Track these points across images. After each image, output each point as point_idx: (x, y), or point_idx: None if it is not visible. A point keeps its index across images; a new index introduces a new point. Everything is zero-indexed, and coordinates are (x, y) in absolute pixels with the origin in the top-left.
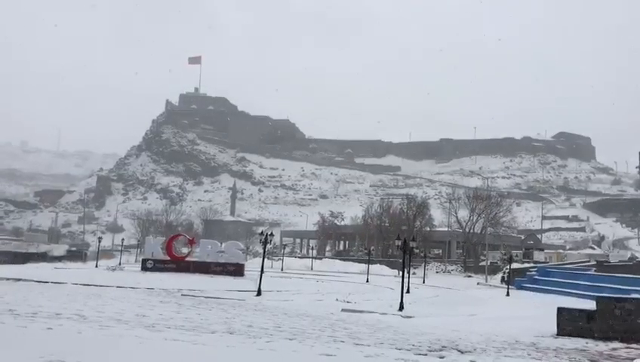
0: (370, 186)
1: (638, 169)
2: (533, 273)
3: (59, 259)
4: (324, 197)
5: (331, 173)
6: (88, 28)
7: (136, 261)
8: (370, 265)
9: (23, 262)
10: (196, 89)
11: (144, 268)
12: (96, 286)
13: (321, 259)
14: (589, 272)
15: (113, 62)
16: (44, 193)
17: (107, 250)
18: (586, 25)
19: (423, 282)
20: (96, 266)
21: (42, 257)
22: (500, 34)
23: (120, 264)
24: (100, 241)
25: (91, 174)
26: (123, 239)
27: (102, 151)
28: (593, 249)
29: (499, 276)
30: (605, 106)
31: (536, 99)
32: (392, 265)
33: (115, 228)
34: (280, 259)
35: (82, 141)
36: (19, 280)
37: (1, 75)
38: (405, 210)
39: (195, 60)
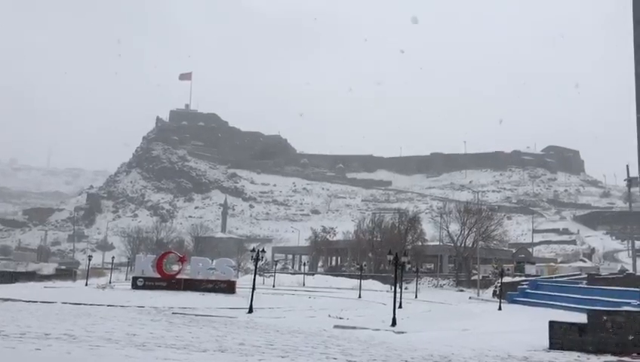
0: (362, 201)
1: (626, 181)
2: (524, 286)
3: (48, 277)
4: (315, 212)
5: (323, 189)
6: (77, 45)
7: (126, 279)
8: (362, 281)
9: (12, 282)
10: (187, 105)
11: (134, 286)
12: (86, 305)
13: (313, 275)
14: (580, 285)
15: (103, 78)
16: (34, 211)
17: (97, 268)
18: (574, 39)
19: (416, 297)
20: (87, 285)
21: (31, 276)
22: (488, 48)
23: (110, 282)
24: (90, 259)
25: (81, 192)
26: (113, 257)
27: (92, 168)
28: (584, 261)
29: (491, 290)
30: (593, 120)
31: (524, 112)
32: (384, 280)
33: (105, 246)
34: (272, 275)
35: (72, 158)
36: (7, 299)
37: None
38: (397, 225)
39: (185, 77)
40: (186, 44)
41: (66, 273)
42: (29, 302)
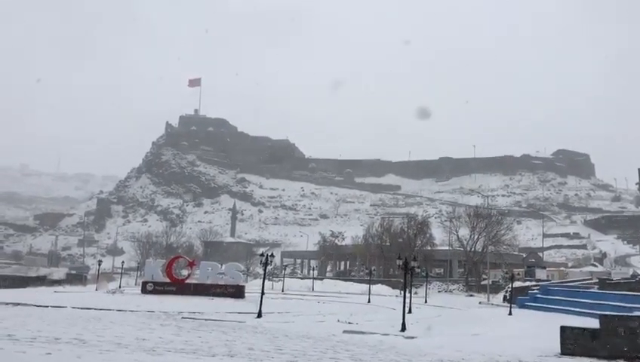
0: (371, 205)
1: (637, 185)
2: (535, 291)
3: (58, 282)
4: (324, 217)
5: (331, 193)
6: (86, 51)
7: (136, 284)
8: (371, 285)
9: (23, 286)
10: (196, 111)
11: (144, 291)
12: (96, 309)
13: (322, 279)
14: (591, 290)
15: (113, 84)
16: (44, 216)
17: (107, 273)
18: (584, 41)
19: (425, 302)
20: (96, 289)
21: (42, 281)
22: (498, 48)
23: (120, 287)
24: (100, 264)
25: (91, 197)
26: (123, 262)
27: (102, 173)
28: (595, 266)
29: (501, 295)
30: (604, 123)
31: (534, 116)
32: (393, 285)
33: (115, 251)
34: (281, 280)
35: (82, 164)
36: (18, 304)
37: (0, 99)
38: (406, 229)
39: (194, 83)
40: (191, 50)
41: (77, 278)
42: (39, 306)
